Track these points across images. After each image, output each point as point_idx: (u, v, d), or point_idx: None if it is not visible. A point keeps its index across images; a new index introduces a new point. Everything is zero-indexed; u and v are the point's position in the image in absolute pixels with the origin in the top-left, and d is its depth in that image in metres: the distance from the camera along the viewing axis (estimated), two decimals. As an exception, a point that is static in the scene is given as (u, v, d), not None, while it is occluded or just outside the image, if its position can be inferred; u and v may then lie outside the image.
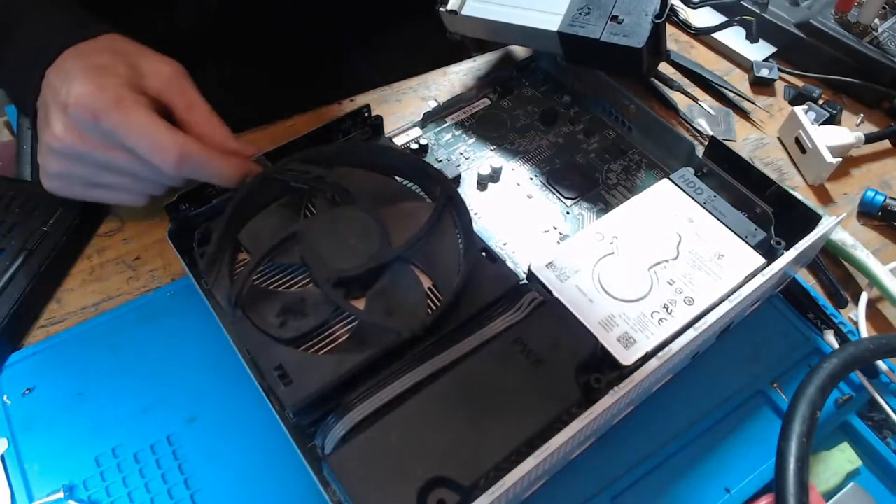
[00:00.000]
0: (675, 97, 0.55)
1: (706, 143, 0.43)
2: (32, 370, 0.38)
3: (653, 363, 0.32)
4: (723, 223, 0.38)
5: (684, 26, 0.59)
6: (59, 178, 0.39)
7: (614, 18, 0.40)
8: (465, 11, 0.46)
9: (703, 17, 0.60)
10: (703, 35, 0.59)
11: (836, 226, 0.39)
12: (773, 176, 0.40)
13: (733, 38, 0.59)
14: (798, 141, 0.51)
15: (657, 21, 0.40)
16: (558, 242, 0.43)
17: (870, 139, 0.52)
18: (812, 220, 0.38)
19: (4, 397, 0.37)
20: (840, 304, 0.44)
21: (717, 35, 0.59)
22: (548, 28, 0.42)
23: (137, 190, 0.40)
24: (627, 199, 0.44)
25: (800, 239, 0.37)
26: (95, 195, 0.40)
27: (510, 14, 0.45)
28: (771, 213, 0.40)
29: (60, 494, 0.34)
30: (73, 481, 0.34)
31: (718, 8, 0.56)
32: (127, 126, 0.35)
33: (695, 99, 0.55)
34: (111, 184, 0.39)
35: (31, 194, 0.43)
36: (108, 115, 0.35)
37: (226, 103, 0.42)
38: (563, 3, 0.43)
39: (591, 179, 0.46)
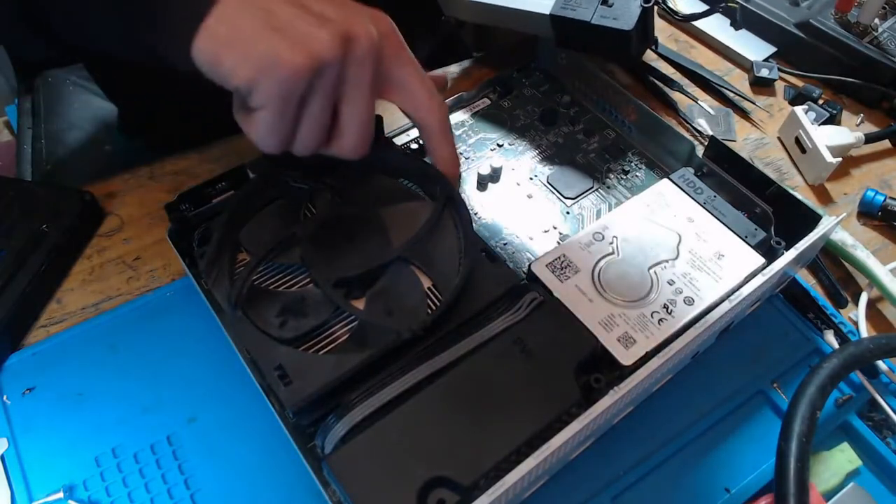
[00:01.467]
0: (675, 97, 0.55)
1: (706, 143, 0.43)
2: (32, 370, 0.38)
3: (653, 363, 0.32)
4: (723, 223, 0.38)
5: (671, 13, 0.58)
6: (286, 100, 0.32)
7: (605, 2, 0.42)
8: None
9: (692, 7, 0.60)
10: (688, 21, 0.58)
11: (836, 226, 0.39)
12: (773, 176, 0.40)
13: (733, 37, 0.59)
14: (798, 141, 0.51)
15: (645, 5, 0.41)
16: (558, 242, 0.43)
17: (870, 139, 0.52)
18: (812, 220, 0.38)
19: (4, 397, 0.37)
20: (840, 304, 0.44)
21: (717, 34, 0.60)
22: (540, 11, 0.43)
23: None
24: (627, 199, 0.44)
25: (800, 239, 0.37)
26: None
27: None
28: (771, 212, 0.40)
29: (60, 494, 0.34)
30: (73, 481, 0.34)
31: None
32: (410, 78, 0.35)
33: (695, 99, 0.55)
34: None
35: (31, 194, 0.43)
36: (398, 57, 0.34)
37: (225, 102, 0.42)
38: None
39: (591, 179, 0.46)
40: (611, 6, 0.42)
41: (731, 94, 0.56)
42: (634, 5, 0.41)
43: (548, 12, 0.43)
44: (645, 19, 0.43)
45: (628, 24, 0.41)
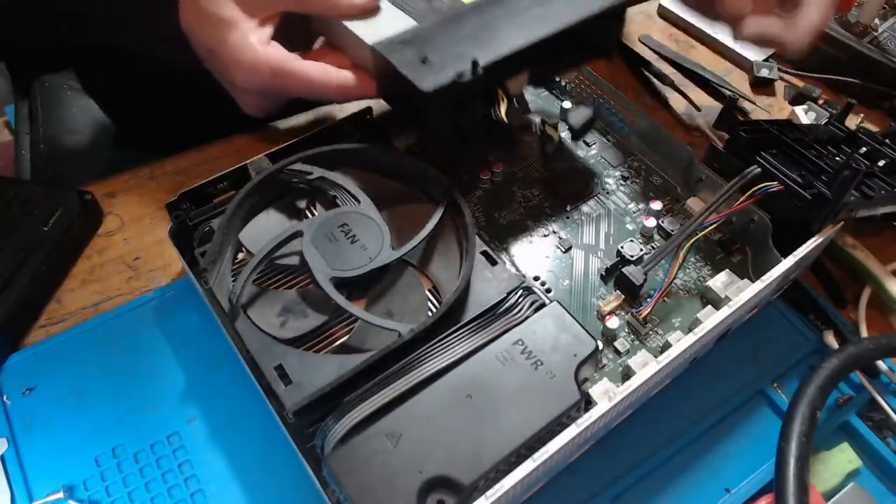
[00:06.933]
0: (675, 97, 0.54)
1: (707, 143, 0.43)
2: (32, 370, 0.38)
3: (651, 367, 0.32)
4: None
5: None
6: None
7: (424, 60, 0.36)
8: None
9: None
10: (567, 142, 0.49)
11: (835, 232, 0.38)
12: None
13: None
14: (798, 141, 0.51)
15: (458, 80, 0.35)
16: (558, 246, 0.43)
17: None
18: (810, 226, 0.38)
19: (4, 397, 0.37)
20: (840, 304, 0.44)
21: (717, 35, 0.60)
22: (365, 39, 0.39)
23: None
24: (627, 204, 0.44)
25: (798, 245, 0.37)
26: None
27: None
28: (768, 219, 0.40)
29: (60, 494, 0.34)
30: (73, 481, 0.34)
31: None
32: None
33: (694, 100, 0.55)
34: None
35: (30, 194, 0.43)
36: None
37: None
38: (395, 28, 0.39)
39: (591, 185, 0.46)
40: (426, 64, 0.36)
41: (731, 94, 0.56)
42: (447, 73, 0.35)
43: (371, 42, 0.38)
44: (455, 94, 0.36)
45: (428, 85, 0.35)
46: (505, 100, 0.38)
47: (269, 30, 0.40)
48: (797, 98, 0.56)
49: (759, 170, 0.39)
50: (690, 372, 0.38)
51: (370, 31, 0.39)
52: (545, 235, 0.43)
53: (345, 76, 0.40)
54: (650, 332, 0.39)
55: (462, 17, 0.39)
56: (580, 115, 0.39)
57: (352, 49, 0.41)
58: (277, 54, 0.39)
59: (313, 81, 0.40)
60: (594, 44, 0.40)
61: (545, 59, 0.38)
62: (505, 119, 0.38)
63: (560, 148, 0.48)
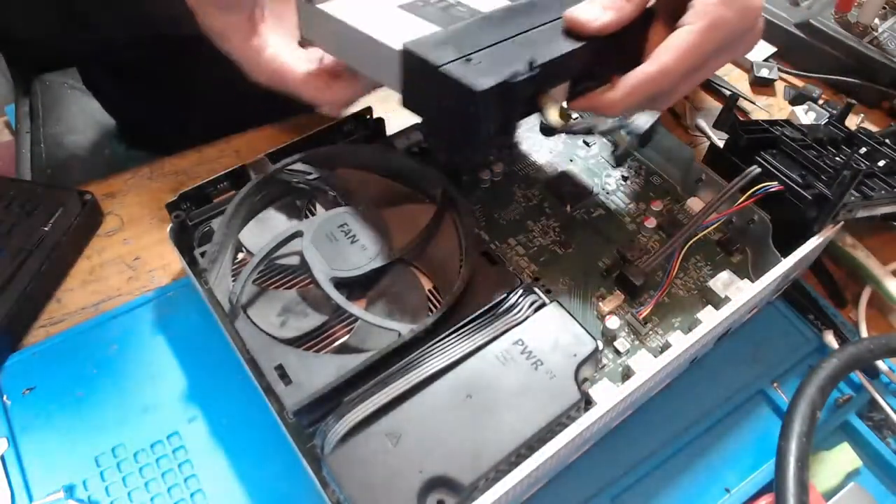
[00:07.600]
0: (676, 97, 0.54)
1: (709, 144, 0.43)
2: (32, 370, 0.38)
3: (651, 367, 0.32)
4: None
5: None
6: None
7: (468, 59, 0.32)
8: (322, 5, 0.37)
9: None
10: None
11: (835, 233, 0.38)
12: (773, 176, 0.40)
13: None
14: (798, 141, 0.51)
15: (512, 80, 0.31)
16: (558, 246, 0.43)
17: (870, 139, 0.52)
18: (810, 226, 0.38)
19: (4, 397, 0.37)
20: (840, 304, 0.44)
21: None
22: (391, 45, 0.33)
23: None
24: (627, 205, 0.44)
25: (798, 245, 0.37)
26: None
27: (363, 20, 0.36)
28: (768, 219, 0.40)
29: (60, 494, 0.34)
30: (72, 481, 0.34)
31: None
32: None
33: (693, 99, 0.55)
34: None
35: (31, 194, 0.43)
36: None
37: (226, 103, 0.42)
38: (417, 32, 0.34)
39: (591, 185, 0.46)
40: (475, 63, 0.31)
41: (731, 94, 0.56)
42: (500, 72, 0.31)
43: (398, 48, 0.33)
44: (506, 102, 0.32)
45: (480, 84, 0.30)
46: (555, 104, 0.35)
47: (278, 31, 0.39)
48: (797, 98, 0.56)
49: (759, 170, 0.39)
50: (690, 372, 0.38)
51: (390, 36, 0.34)
52: (545, 235, 0.43)
53: (331, 96, 0.39)
54: (650, 332, 0.39)
55: (495, 20, 0.35)
56: (644, 120, 0.38)
57: (364, 63, 0.37)
58: (276, 62, 0.38)
59: (304, 97, 0.39)
60: (628, 53, 0.37)
61: (587, 67, 0.35)
62: (558, 123, 0.35)
63: (627, 153, 0.46)
